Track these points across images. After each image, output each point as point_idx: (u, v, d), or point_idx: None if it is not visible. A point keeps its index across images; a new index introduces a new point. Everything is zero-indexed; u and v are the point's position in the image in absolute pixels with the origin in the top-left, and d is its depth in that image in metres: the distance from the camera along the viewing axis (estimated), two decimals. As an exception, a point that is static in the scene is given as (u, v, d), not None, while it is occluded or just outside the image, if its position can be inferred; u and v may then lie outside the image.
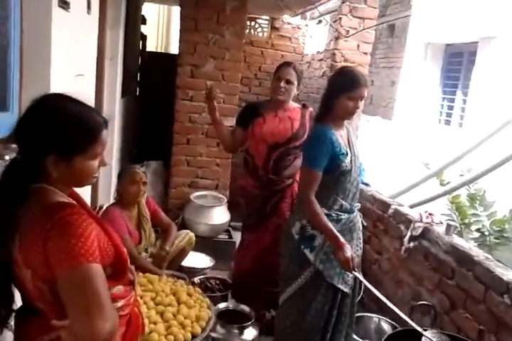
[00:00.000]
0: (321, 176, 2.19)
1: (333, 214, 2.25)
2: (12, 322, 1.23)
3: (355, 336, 2.49)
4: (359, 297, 2.47)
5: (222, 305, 2.77)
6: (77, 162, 1.17)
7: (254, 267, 2.96)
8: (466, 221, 3.93)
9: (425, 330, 1.94)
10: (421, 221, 2.73)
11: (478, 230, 3.85)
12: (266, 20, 5.66)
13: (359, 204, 2.43)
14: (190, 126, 4.21)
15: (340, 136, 2.26)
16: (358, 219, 2.40)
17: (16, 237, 1.12)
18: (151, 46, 8.03)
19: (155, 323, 2.15)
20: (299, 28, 5.72)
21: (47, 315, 1.14)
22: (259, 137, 2.86)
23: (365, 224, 2.50)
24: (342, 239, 2.14)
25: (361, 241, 2.44)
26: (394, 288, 2.98)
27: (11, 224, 1.12)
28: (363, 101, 2.27)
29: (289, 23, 5.70)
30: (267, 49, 5.72)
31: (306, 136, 2.76)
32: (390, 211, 3.12)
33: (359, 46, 4.24)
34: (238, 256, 3.13)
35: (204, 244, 3.67)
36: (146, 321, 1.87)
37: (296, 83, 2.83)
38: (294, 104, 2.96)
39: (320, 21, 5.07)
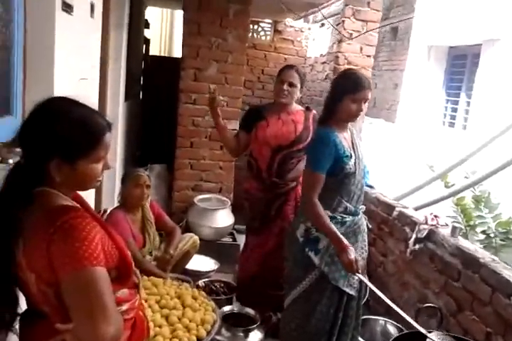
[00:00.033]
0: (324, 179, 2.19)
1: (338, 217, 2.25)
2: (17, 326, 1.22)
3: (361, 339, 2.48)
4: (364, 299, 2.46)
5: (227, 308, 2.76)
6: (80, 165, 1.17)
7: (259, 270, 2.95)
8: (471, 223, 3.91)
9: (430, 332, 1.93)
10: (426, 223, 2.72)
11: (483, 232, 3.83)
12: (269, 23, 5.67)
13: (364, 207, 2.42)
14: (194, 130, 4.21)
15: (344, 138, 2.26)
16: (363, 221, 2.39)
17: (19, 241, 1.11)
18: (154, 50, 8.06)
19: (160, 326, 2.14)
20: (301, 31, 5.73)
21: (51, 318, 1.14)
22: (262, 140, 2.85)
23: (370, 226, 2.49)
24: (345, 241, 2.14)
25: (366, 243, 2.43)
26: (400, 290, 2.97)
27: (14, 227, 1.11)
28: (367, 103, 2.26)
29: (291, 27, 5.71)
30: (270, 52, 5.72)
31: (309, 138, 2.75)
32: (395, 213, 3.11)
33: (362, 49, 4.24)
34: (242, 259, 3.13)
35: (208, 247, 3.67)
36: (151, 324, 1.86)
37: (299, 86, 2.82)
38: (297, 107, 2.95)
39: (323, 24, 5.08)
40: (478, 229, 3.87)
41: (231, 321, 2.66)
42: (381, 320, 2.80)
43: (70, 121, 1.16)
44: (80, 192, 1.32)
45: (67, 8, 2.00)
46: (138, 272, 1.36)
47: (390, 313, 2.63)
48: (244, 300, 3.02)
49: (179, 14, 7.35)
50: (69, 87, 2.13)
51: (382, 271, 3.24)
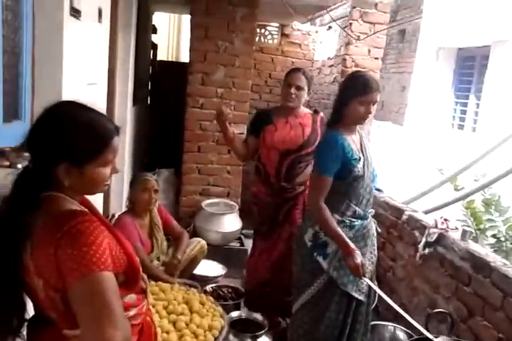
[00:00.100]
0: (331, 182, 2.17)
1: (347, 221, 2.23)
2: (24, 332, 1.22)
3: (370, 345, 2.46)
4: (374, 305, 2.43)
5: (234, 314, 2.75)
6: (88, 169, 1.17)
7: (267, 275, 2.93)
8: (482, 226, 3.87)
9: (436, 337, 1.90)
10: (436, 227, 2.69)
11: (493, 236, 3.79)
12: (276, 27, 5.67)
13: (373, 211, 2.40)
14: (201, 134, 4.21)
15: (352, 141, 2.24)
16: (372, 225, 2.37)
17: (27, 245, 1.11)
18: (161, 55, 8.10)
19: (167, 332, 2.14)
20: (308, 35, 5.72)
21: (59, 324, 1.13)
22: (270, 145, 2.84)
23: (379, 230, 2.47)
24: (352, 245, 2.12)
25: (375, 248, 2.40)
26: (409, 295, 2.94)
27: (22, 232, 1.11)
28: (375, 106, 2.25)
29: (298, 30, 5.70)
30: (277, 56, 5.72)
31: (317, 142, 2.73)
32: (404, 217, 3.08)
33: (370, 51, 4.23)
34: (250, 264, 3.11)
35: (216, 252, 3.66)
36: (158, 330, 1.86)
37: (306, 89, 2.81)
38: (305, 110, 2.94)
39: (330, 27, 5.07)
40: (489, 233, 3.83)
41: (239, 327, 2.64)
42: (390, 325, 2.76)
43: (78, 125, 1.15)
44: (88, 197, 1.32)
45: (76, 13, 2.02)
46: (145, 277, 1.35)
47: (399, 319, 2.60)
48: (252, 305, 3.00)
49: (186, 19, 7.39)
50: (77, 92, 2.13)
51: (391, 275, 3.21)
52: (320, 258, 2.22)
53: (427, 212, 3.43)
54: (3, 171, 1.42)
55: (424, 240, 2.72)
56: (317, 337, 2.26)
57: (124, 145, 3.79)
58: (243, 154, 2.98)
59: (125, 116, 3.82)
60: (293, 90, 2.77)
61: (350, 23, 4.18)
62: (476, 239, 3.67)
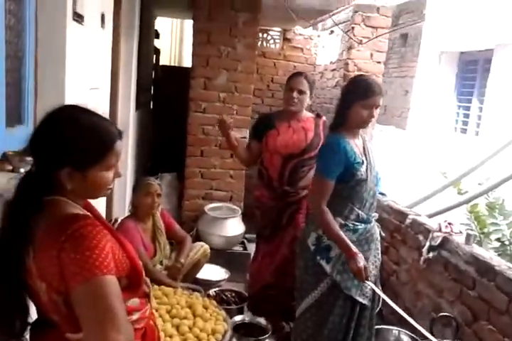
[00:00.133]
0: (333, 186, 2.17)
1: (350, 224, 2.22)
2: (27, 335, 1.21)
3: (374, 349, 2.44)
4: (378, 309, 2.42)
5: (238, 318, 2.74)
6: (91, 173, 1.17)
7: (270, 279, 2.93)
8: (486, 230, 3.85)
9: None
10: (440, 230, 2.67)
11: (498, 239, 3.77)
12: (278, 31, 5.69)
13: (376, 214, 2.39)
14: (204, 138, 4.21)
15: (355, 144, 2.24)
16: (376, 229, 2.36)
17: (30, 249, 1.11)
18: (164, 60, 8.14)
19: (171, 336, 2.13)
20: (311, 39, 5.74)
21: (61, 328, 1.13)
22: (273, 149, 2.84)
23: (383, 234, 2.46)
24: (354, 249, 2.11)
25: (379, 251, 2.39)
26: (413, 299, 2.92)
27: (25, 235, 1.11)
28: (378, 109, 2.24)
29: (300, 34, 5.72)
30: (279, 60, 5.74)
31: (320, 146, 2.73)
32: (408, 221, 3.07)
33: (372, 55, 4.24)
34: (253, 268, 3.10)
35: (219, 256, 3.65)
36: (161, 334, 1.85)
37: (308, 93, 2.81)
38: (307, 114, 2.94)
39: (332, 32, 5.09)
40: (493, 237, 3.81)
41: (242, 331, 2.63)
42: (395, 329, 2.74)
43: (80, 129, 1.16)
44: (91, 201, 1.32)
45: (78, 18, 2.02)
46: (148, 281, 1.35)
47: (403, 323, 2.58)
48: (255, 309, 2.99)
49: (189, 24, 7.42)
50: (80, 96, 2.14)
51: (395, 279, 3.20)
52: (323, 262, 2.21)
53: (430, 216, 3.42)
54: (6, 175, 1.43)
55: (428, 244, 2.71)
56: (321, 342, 2.25)
57: (127, 149, 3.80)
58: (246, 159, 2.98)
59: (128, 120, 3.83)
60: (295, 94, 2.77)
61: (353, 28, 4.20)
62: (480, 243, 3.65)
